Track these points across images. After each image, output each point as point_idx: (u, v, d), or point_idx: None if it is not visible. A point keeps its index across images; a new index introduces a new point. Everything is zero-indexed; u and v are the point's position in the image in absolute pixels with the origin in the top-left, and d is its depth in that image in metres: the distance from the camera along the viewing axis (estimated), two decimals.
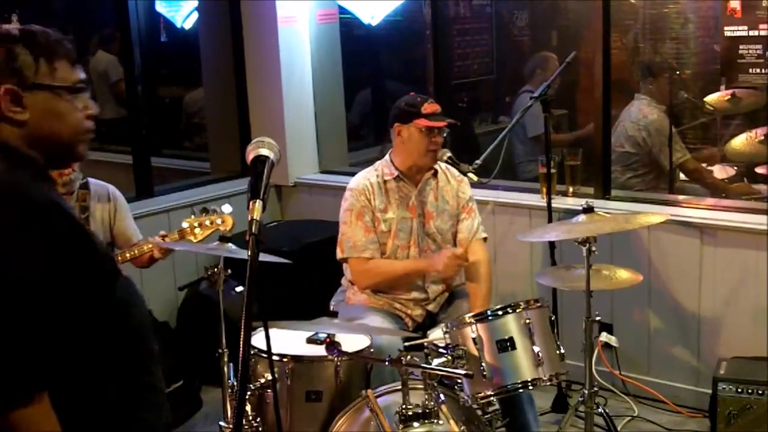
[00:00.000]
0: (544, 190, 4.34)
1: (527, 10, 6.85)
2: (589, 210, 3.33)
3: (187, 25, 7.10)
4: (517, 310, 2.93)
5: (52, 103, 1.67)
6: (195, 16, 6.61)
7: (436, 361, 2.84)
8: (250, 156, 1.65)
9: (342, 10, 5.60)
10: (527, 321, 2.90)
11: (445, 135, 3.55)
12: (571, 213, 3.91)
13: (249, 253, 1.51)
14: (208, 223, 3.53)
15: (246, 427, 2.87)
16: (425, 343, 2.96)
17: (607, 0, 4.27)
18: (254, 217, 1.53)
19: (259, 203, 1.55)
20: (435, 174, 3.65)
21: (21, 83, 1.64)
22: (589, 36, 4.67)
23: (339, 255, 3.62)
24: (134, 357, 1.71)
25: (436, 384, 2.77)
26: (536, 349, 2.88)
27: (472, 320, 2.90)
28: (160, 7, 7.35)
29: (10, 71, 1.64)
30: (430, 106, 3.52)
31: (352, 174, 3.76)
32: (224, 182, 5.26)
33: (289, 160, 5.27)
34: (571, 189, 4.48)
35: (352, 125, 6.08)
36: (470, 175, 3.63)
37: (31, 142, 1.67)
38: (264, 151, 1.65)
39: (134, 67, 4.89)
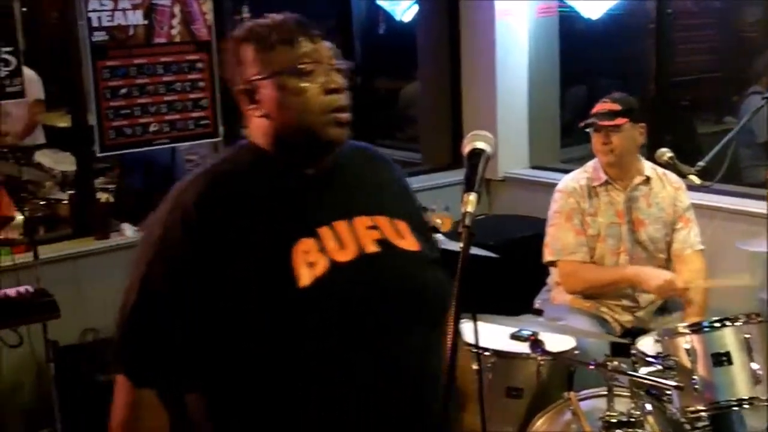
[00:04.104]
0: None
1: (761, 6, 6.44)
2: None
3: (406, 18, 7.22)
4: (736, 324, 2.77)
5: (278, 92, 1.65)
6: (414, 9, 6.71)
7: (644, 370, 2.76)
8: (466, 148, 1.63)
9: (561, 4, 5.50)
10: (747, 336, 2.74)
11: (614, 133, 3.40)
12: None
13: (461, 245, 1.50)
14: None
15: None
16: (633, 350, 2.88)
17: None
18: (468, 210, 1.52)
19: (473, 196, 1.53)
20: (647, 180, 3.52)
21: (250, 80, 1.67)
22: None
23: (547, 257, 3.56)
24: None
25: (643, 393, 2.69)
26: (755, 366, 2.70)
27: (687, 330, 2.77)
28: (381, 0, 7.51)
29: (240, 71, 1.68)
30: (600, 106, 3.46)
31: (563, 171, 3.71)
32: (435, 173, 5.32)
33: (499, 154, 5.24)
34: None
35: (564, 121, 5.97)
36: (692, 177, 3.46)
37: (277, 137, 1.67)
38: (480, 144, 1.63)
39: (354, 58, 5.04)
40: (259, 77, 1.66)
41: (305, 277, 1.57)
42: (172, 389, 1.63)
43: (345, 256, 1.62)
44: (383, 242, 1.67)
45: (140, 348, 1.61)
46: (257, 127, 1.70)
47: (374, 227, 1.68)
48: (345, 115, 1.68)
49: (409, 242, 1.70)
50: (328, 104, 1.66)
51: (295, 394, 1.59)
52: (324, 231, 1.63)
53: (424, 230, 1.80)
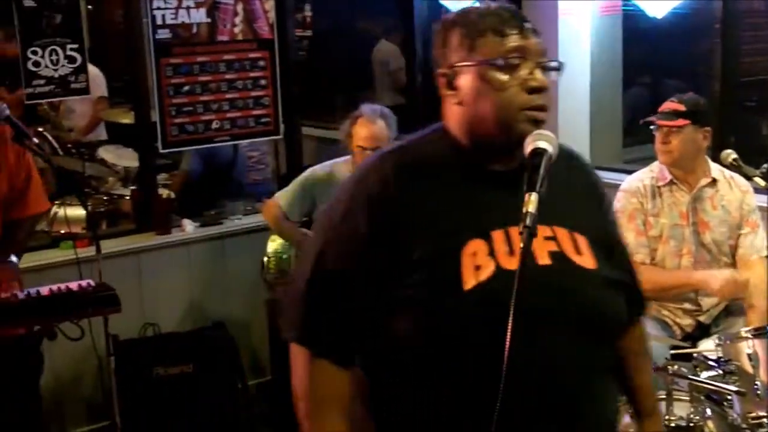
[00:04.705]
0: None
1: None
2: None
3: None
4: None
5: (477, 82, 1.61)
6: None
7: (704, 374, 2.71)
8: (528, 148, 1.61)
9: (626, 2, 5.42)
10: None
11: (674, 134, 3.33)
12: None
13: (522, 245, 1.48)
14: None
15: None
16: (694, 354, 2.83)
17: None
18: (529, 210, 1.49)
19: (534, 196, 1.50)
20: (713, 182, 3.45)
21: (452, 65, 1.64)
22: None
23: None
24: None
25: (703, 398, 2.64)
26: None
27: (749, 335, 2.72)
28: None
29: (444, 55, 1.66)
30: (666, 105, 3.40)
31: (625, 171, 3.66)
32: None
33: None
34: None
35: (627, 121, 5.89)
36: (757, 179, 3.39)
37: (469, 126, 1.65)
38: (542, 144, 1.59)
39: (415, 56, 5.04)
40: (462, 64, 1.63)
41: (470, 280, 1.56)
42: (346, 361, 1.65)
43: (514, 263, 1.52)
44: (557, 255, 1.62)
45: (317, 320, 1.64)
46: (452, 114, 1.68)
47: (551, 238, 1.63)
48: (542, 114, 1.62)
49: (585, 259, 1.64)
50: (526, 102, 1.61)
51: (431, 392, 1.59)
52: (497, 234, 1.60)
53: (609, 247, 1.72)
